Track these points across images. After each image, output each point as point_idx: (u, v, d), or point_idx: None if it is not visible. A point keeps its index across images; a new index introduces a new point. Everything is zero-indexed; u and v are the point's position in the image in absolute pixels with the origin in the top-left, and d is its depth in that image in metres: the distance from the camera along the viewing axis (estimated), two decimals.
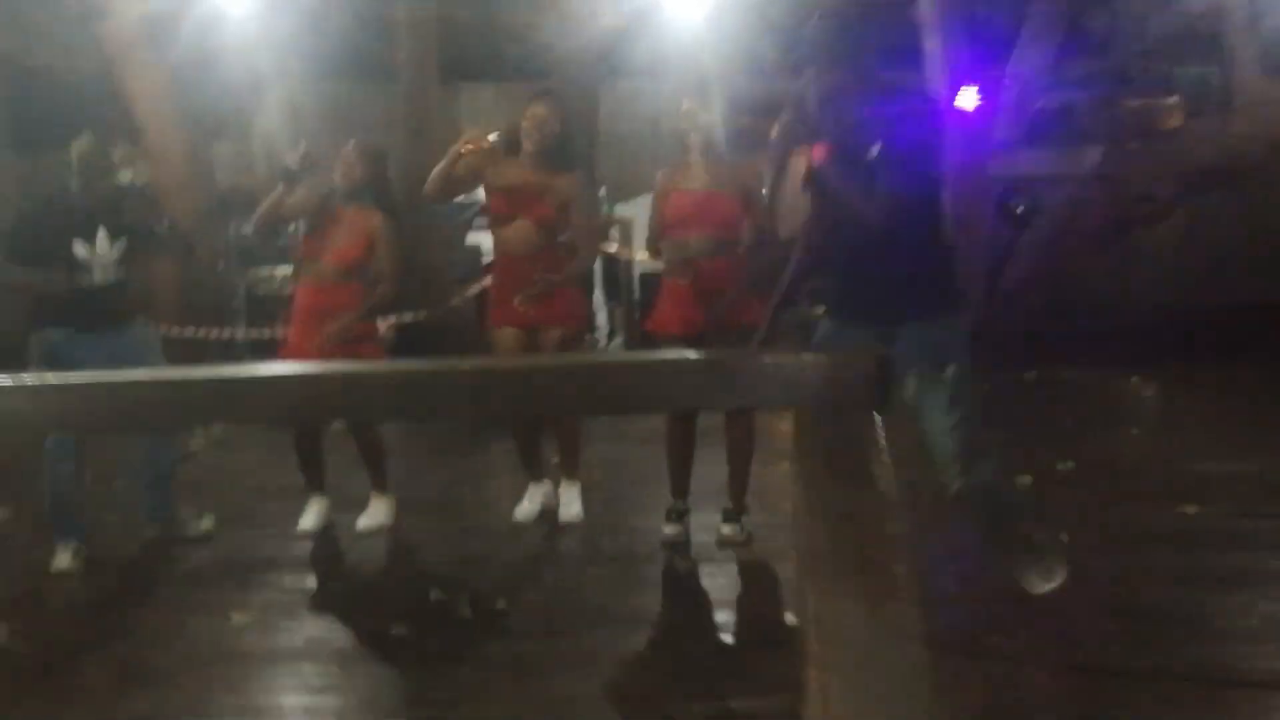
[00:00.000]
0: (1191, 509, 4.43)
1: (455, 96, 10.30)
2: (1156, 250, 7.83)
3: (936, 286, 3.28)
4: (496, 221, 4.70)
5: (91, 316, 4.55)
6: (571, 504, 4.75)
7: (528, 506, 4.78)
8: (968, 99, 7.38)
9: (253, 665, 3.49)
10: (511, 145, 4.67)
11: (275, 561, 4.42)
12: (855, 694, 1.38)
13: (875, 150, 3.12)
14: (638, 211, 9.79)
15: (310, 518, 4.79)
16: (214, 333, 7.49)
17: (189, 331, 7.26)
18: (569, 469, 4.81)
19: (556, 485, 4.81)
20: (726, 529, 4.43)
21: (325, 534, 4.74)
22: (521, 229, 4.57)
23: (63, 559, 4.43)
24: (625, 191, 9.38)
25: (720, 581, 4.10)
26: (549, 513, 4.76)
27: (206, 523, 4.81)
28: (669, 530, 4.47)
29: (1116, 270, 7.74)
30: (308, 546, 4.62)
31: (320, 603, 4.03)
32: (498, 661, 3.37)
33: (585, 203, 4.76)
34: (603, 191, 8.78)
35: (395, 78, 8.27)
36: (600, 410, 3.91)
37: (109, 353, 4.47)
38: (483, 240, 8.17)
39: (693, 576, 4.20)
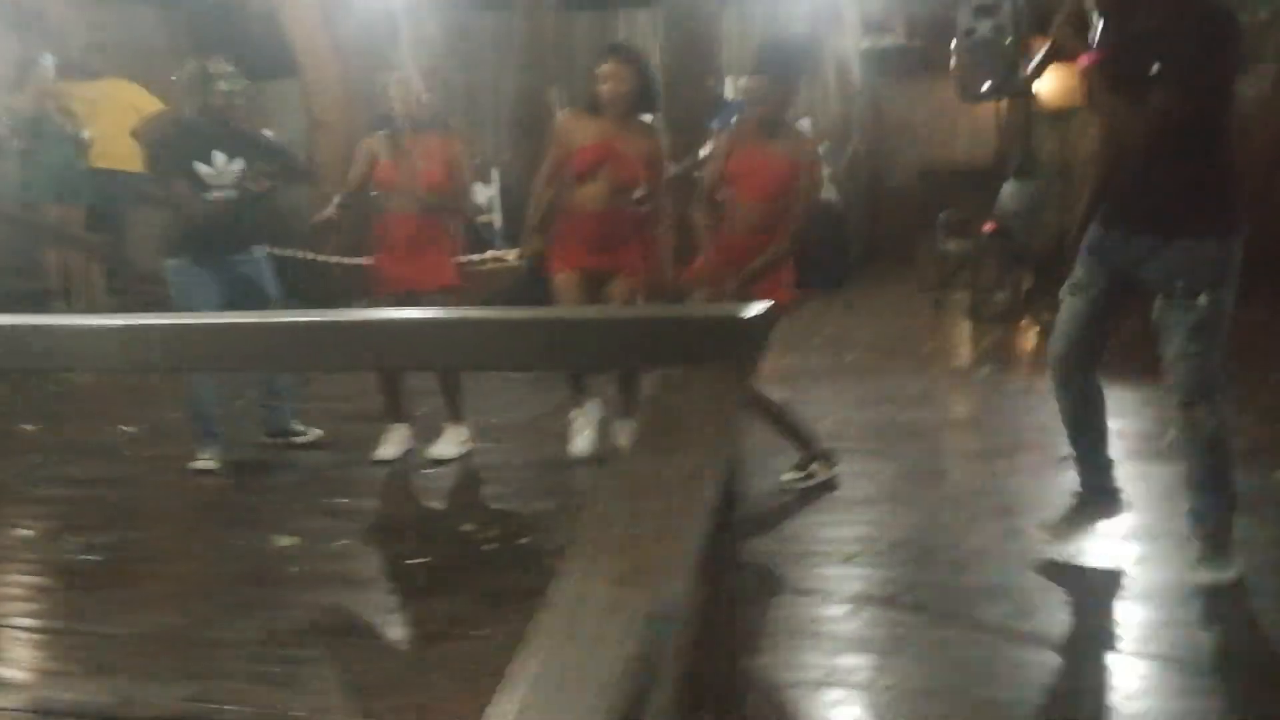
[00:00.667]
0: None
1: (571, 25, 10.34)
2: None
3: (1206, 207, 3.12)
4: (578, 179, 4.60)
5: (212, 241, 4.88)
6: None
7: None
8: None
9: (284, 587, 3.69)
10: (593, 103, 4.62)
11: (341, 486, 4.68)
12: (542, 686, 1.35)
13: (1155, 68, 3.02)
14: None
15: (389, 447, 5.00)
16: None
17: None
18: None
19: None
20: None
21: (401, 463, 4.93)
22: (597, 189, 4.57)
23: (204, 462, 4.90)
24: None
25: None
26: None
27: (314, 434, 5.29)
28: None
29: None
30: (378, 474, 4.84)
31: (364, 530, 4.24)
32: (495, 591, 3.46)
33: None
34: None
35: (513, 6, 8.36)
36: (464, 366, 4.00)
37: (228, 279, 4.89)
38: None
39: None
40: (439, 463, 4.87)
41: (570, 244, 4.64)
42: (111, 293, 8.25)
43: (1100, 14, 3.18)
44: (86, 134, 8.26)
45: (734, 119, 8.94)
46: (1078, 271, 3.34)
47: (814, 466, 4.35)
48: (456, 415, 5.03)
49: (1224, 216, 3.13)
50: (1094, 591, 3.30)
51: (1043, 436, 4.87)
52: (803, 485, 4.31)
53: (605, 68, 4.53)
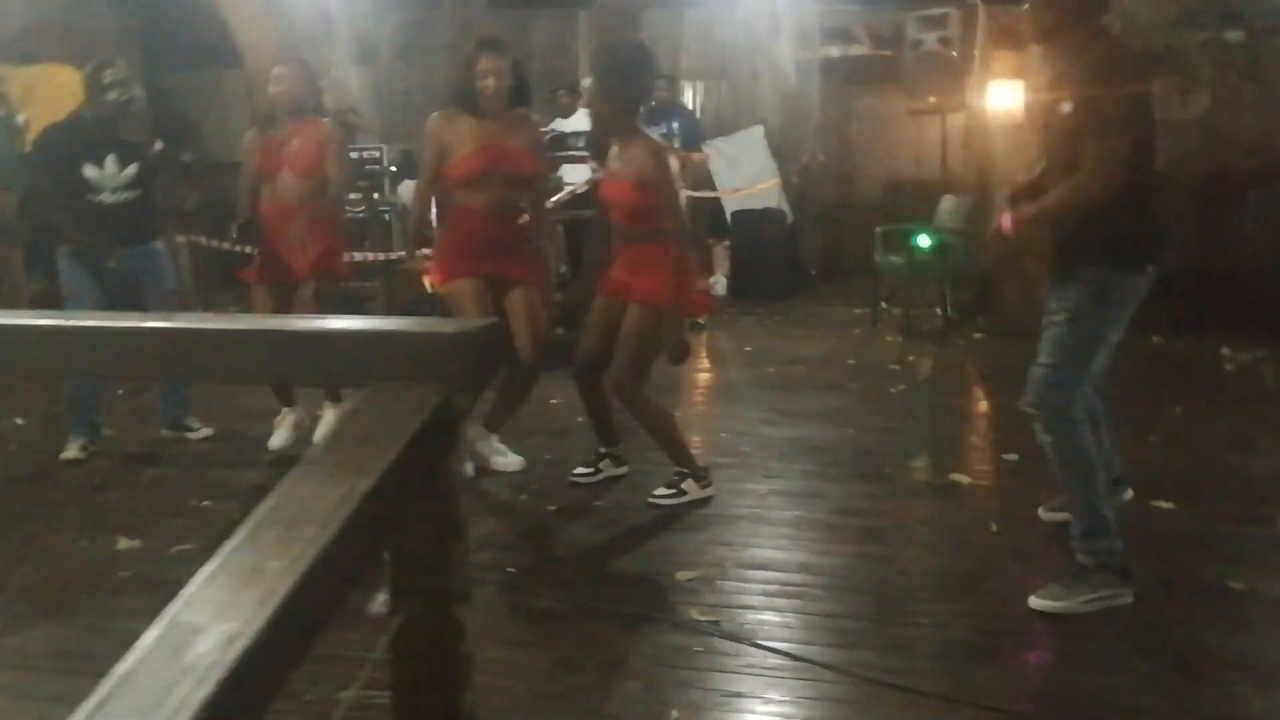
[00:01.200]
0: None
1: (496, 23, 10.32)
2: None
3: (1088, 238, 3.21)
4: (466, 185, 4.39)
5: (107, 235, 4.89)
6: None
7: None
8: None
9: (106, 592, 3.54)
10: (468, 103, 4.38)
11: (211, 488, 4.55)
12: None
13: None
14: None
15: (280, 434, 5.00)
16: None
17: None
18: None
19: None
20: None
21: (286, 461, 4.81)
22: (490, 194, 4.39)
23: (71, 450, 4.94)
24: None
25: None
26: None
27: (204, 431, 5.29)
28: (579, 471, 4.50)
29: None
30: (254, 476, 4.72)
31: (213, 534, 4.09)
32: None
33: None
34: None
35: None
36: (182, 375, 3.93)
37: (127, 270, 4.94)
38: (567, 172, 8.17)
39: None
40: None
41: (462, 254, 4.43)
42: (36, 281, 8.12)
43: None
44: (21, 118, 8.14)
45: (673, 125, 8.89)
46: (1050, 304, 3.35)
47: (686, 485, 4.24)
48: (335, 397, 4.99)
49: (1106, 248, 3.17)
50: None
51: (936, 456, 4.80)
52: (671, 503, 4.19)
53: (483, 63, 4.33)
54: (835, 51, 10.83)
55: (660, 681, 2.82)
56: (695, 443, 4.68)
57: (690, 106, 10.31)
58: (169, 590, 0.85)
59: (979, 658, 2.95)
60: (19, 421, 5.68)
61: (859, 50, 10.91)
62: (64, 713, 0.71)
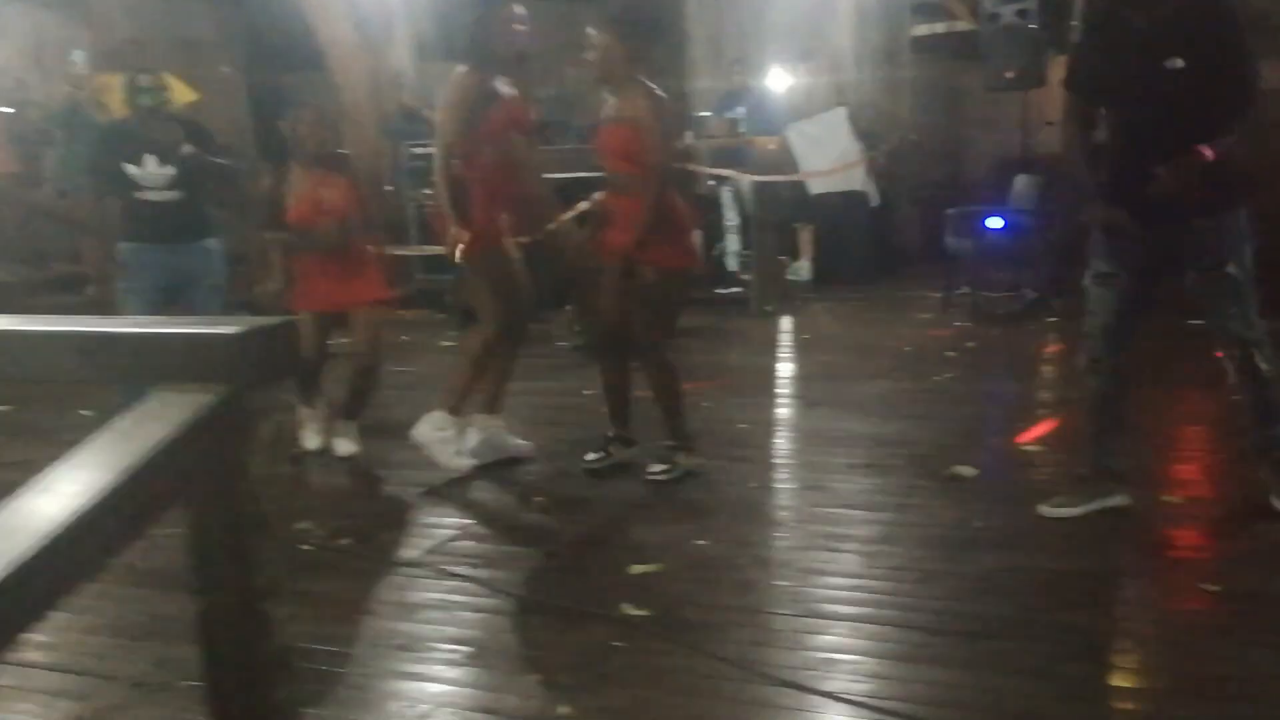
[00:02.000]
0: None
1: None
2: None
3: (1215, 188, 3.37)
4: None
5: (155, 231, 5.15)
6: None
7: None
8: None
9: None
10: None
11: None
12: None
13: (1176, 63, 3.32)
14: None
15: (309, 437, 5.03)
16: None
17: None
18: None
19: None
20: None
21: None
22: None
23: None
24: None
25: None
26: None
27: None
28: (589, 457, 4.49)
29: None
30: None
31: None
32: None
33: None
34: None
35: None
36: None
37: (174, 266, 5.18)
38: None
39: None
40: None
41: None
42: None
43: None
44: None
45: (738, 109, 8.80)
46: (1099, 263, 3.59)
47: (680, 458, 4.31)
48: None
49: (1231, 194, 3.43)
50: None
51: (952, 448, 4.64)
52: (667, 478, 4.26)
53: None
54: (927, 29, 10.49)
55: (563, 679, 2.81)
56: (709, 432, 4.65)
57: (771, 89, 10.14)
58: None
59: (915, 660, 2.84)
60: (86, 413, 5.93)
61: (961, 25, 10.55)
62: None
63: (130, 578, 3.22)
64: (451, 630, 3.13)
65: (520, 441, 4.73)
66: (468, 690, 2.81)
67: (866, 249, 9.46)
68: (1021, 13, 7.90)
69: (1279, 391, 3.52)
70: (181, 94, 9.08)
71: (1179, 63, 3.29)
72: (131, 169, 5.09)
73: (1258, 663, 2.72)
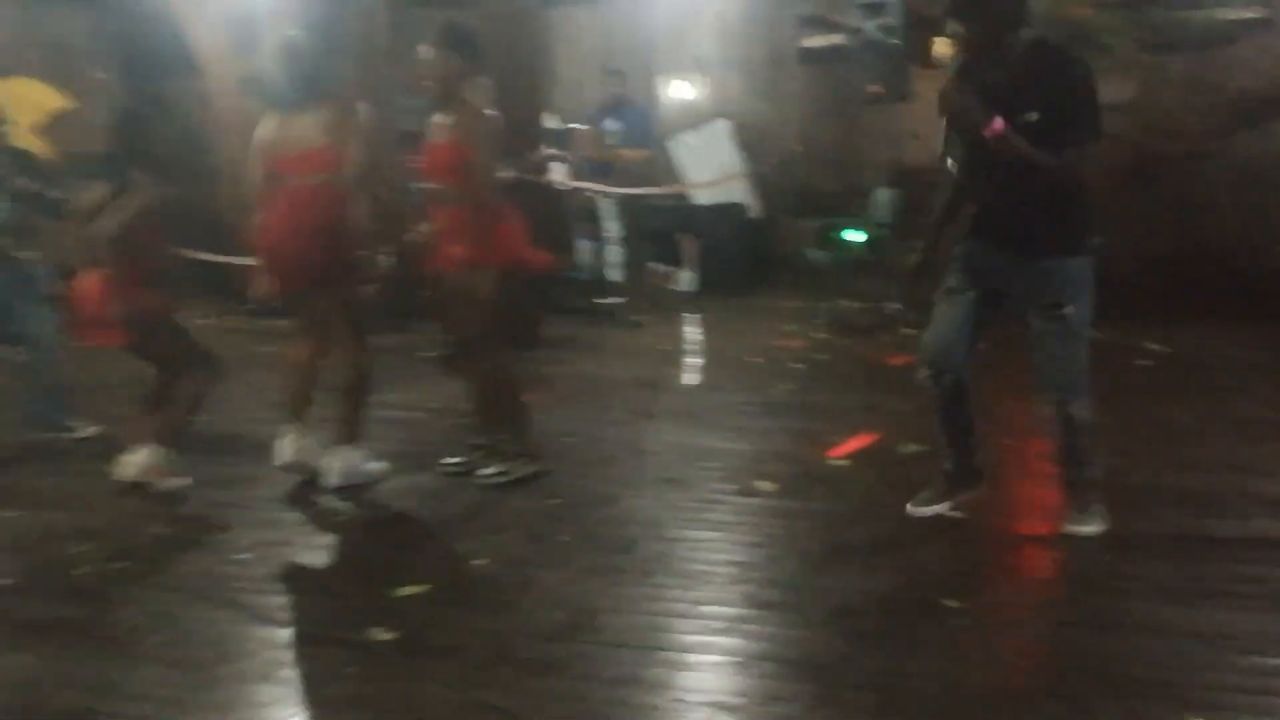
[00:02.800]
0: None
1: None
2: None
3: (1066, 232, 3.57)
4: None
5: None
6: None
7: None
8: None
9: None
10: None
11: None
12: None
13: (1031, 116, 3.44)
14: None
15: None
16: None
17: None
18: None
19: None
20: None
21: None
22: None
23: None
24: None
25: None
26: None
27: (92, 429, 5.35)
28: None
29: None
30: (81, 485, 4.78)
31: None
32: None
33: None
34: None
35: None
36: None
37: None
38: None
39: None
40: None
41: None
42: None
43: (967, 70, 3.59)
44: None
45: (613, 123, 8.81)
46: (951, 278, 3.76)
47: (515, 464, 4.47)
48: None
49: (1079, 240, 3.59)
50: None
51: (760, 461, 4.67)
52: (496, 480, 4.43)
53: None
54: (819, 40, 10.58)
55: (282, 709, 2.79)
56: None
57: (656, 101, 10.18)
58: None
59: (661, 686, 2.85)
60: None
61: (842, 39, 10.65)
62: None
63: None
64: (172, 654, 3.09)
65: (376, 464, 4.65)
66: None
67: (746, 261, 9.52)
68: (885, 28, 8.00)
69: (1088, 439, 3.71)
70: (50, 100, 8.95)
71: (1034, 116, 3.42)
72: None
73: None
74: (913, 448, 4.66)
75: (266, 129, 4.51)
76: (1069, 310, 3.56)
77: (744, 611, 3.27)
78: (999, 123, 3.40)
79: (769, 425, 5.32)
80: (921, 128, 8.35)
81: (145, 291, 4.52)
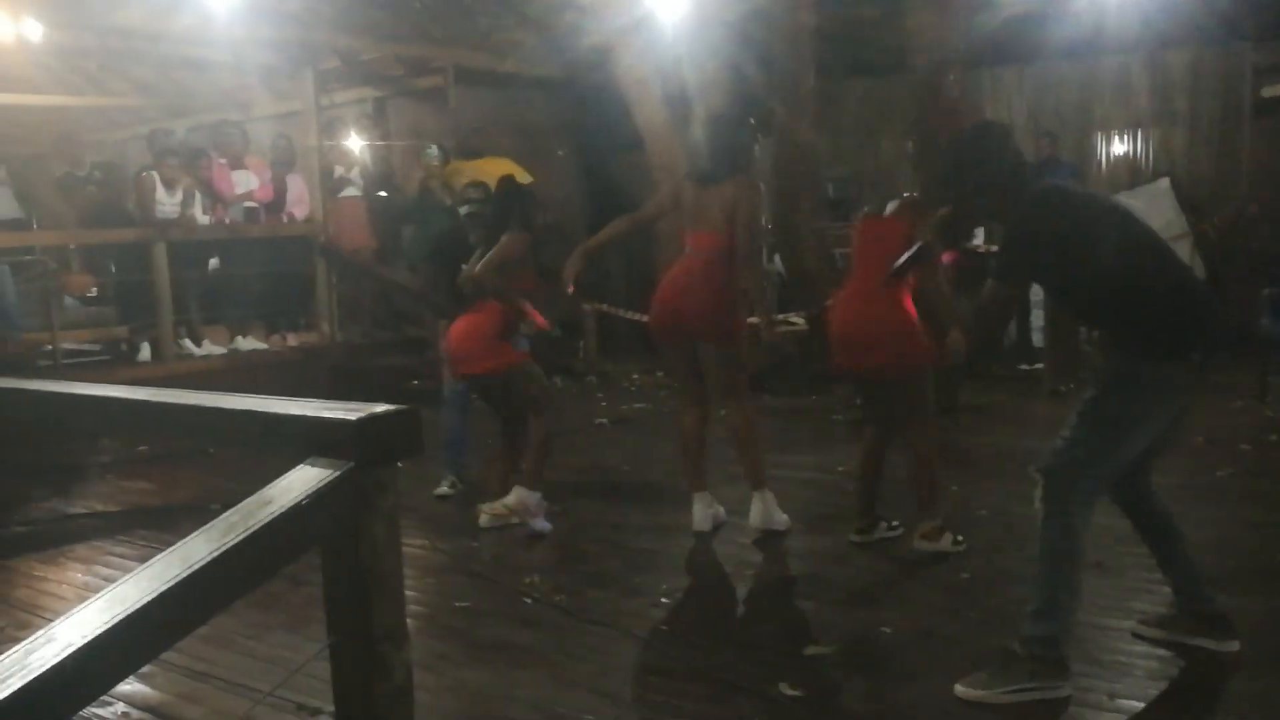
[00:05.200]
0: None
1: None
2: None
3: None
4: None
5: None
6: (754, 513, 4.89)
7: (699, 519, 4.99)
8: None
9: None
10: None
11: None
12: None
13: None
14: None
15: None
16: None
17: None
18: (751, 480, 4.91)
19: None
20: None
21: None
22: None
23: (442, 487, 5.84)
24: None
25: None
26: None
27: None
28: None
29: None
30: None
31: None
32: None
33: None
34: None
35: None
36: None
37: None
38: None
39: None
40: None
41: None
42: None
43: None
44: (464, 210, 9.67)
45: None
46: None
47: (940, 537, 4.53)
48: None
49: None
50: None
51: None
52: (924, 549, 4.54)
53: None
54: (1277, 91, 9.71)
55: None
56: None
57: (1091, 160, 9.75)
58: None
59: None
60: None
61: None
62: None
63: None
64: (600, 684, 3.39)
65: (781, 515, 4.92)
66: None
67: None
68: None
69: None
70: (519, 177, 10.11)
71: None
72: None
73: None
74: None
75: (685, 197, 4.92)
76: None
77: (1164, 706, 3.08)
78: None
79: (1206, 513, 4.92)
80: None
81: (507, 338, 5.21)
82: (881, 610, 3.94)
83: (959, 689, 3.18)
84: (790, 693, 3.25)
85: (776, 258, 9.73)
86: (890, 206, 4.96)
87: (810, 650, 3.59)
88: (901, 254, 4.15)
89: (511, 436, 5.35)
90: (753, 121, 5.07)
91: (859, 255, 4.73)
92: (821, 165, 9.79)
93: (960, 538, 4.55)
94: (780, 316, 8.70)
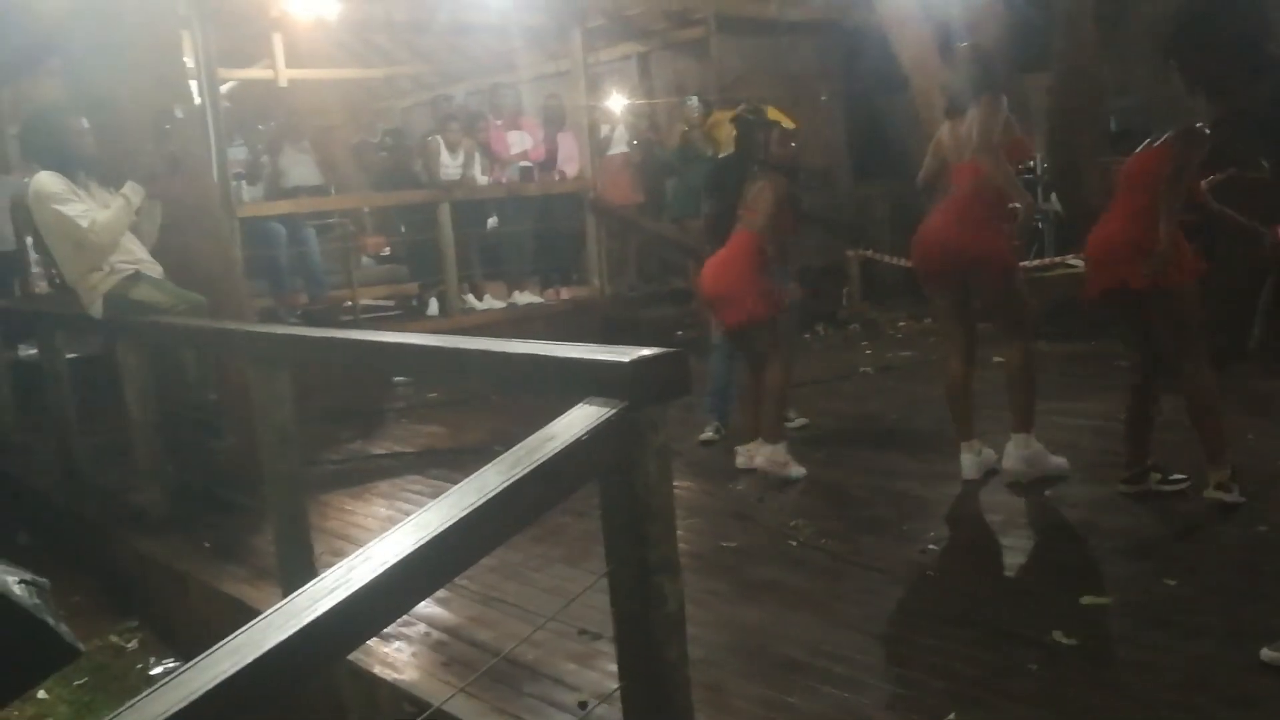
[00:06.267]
0: None
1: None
2: None
3: None
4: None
5: None
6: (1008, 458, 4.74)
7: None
8: None
9: None
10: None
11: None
12: None
13: None
14: None
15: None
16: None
17: None
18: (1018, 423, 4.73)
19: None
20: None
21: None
22: None
23: (706, 432, 5.99)
24: None
25: None
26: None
27: (801, 420, 6.08)
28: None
29: None
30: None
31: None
32: None
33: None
34: None
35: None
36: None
37: None
38: None
39: None
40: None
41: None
42: None
43: None
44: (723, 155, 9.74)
45: None
46: None
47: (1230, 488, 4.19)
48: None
49: None
50: None
51: None
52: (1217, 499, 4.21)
53: None
54: None
55: (968, 691, 2.97)
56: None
57: None
58: None
59: None
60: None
61: None
62: None
63: None
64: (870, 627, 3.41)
65: (1057, 459, 4.78)
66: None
67: None
68: None
69: None
70: (784, 123, 10.06)
71: None
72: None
73: None
74: None
75: (942, 133, 4.83)
76: None
77: None
78: None
79: None
80: None
81: (767, 285, 5.22)
82: (1165, 563, 3.74)
83: (1265, 653, 2.93)
84: (1065, 641, 3.17)
85: (1054, 196, 9.29)
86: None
87: (1086, 600, 3.47)
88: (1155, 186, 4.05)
89: (758, 380, 5.41)
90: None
91: (1119, 183, 4.42)
92: (1106, 95, 9.23)
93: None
94: (1059, 259, 8.32)
